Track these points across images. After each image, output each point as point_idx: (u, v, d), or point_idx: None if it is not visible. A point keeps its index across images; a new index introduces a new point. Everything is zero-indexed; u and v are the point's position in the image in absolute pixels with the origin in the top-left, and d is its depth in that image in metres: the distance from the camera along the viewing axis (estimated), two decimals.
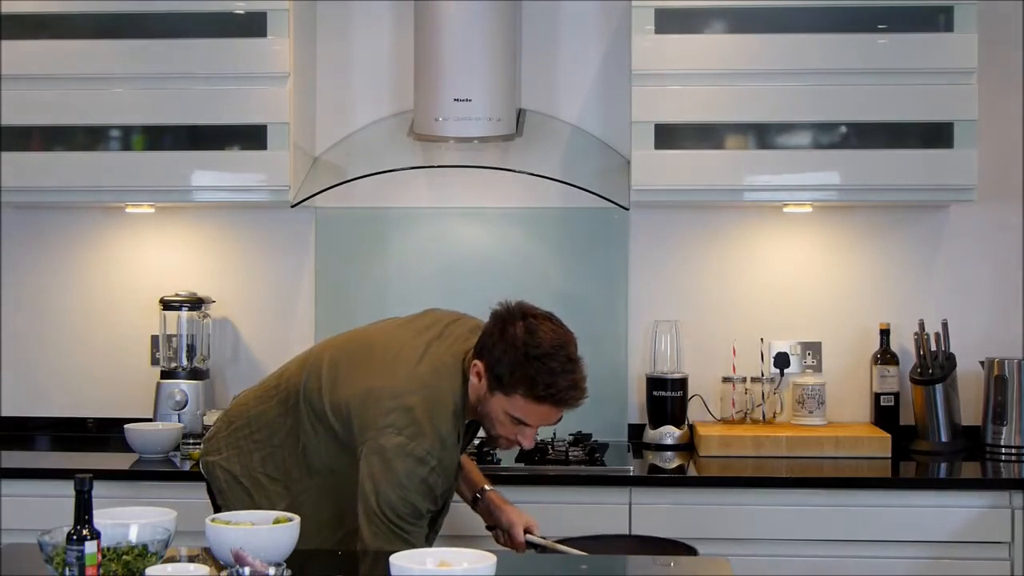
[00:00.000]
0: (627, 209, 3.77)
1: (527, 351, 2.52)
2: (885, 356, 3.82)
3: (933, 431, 3.70)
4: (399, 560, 2.08)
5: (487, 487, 2.94)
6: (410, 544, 2.46)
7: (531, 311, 2.61)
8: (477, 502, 2.95)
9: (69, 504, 2.08)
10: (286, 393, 2.75)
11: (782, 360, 3.86)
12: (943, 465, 3.66)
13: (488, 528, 2.94)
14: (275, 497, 2.72)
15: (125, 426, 3.66)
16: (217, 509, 2.76)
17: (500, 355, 2.54)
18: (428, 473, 2.51)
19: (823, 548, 3.33)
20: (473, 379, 2.59)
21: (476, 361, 2.57)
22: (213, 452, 2.82)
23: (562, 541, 2.78)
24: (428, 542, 2.63)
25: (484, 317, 3.89)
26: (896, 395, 3.81)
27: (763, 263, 3.94)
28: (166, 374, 3.85)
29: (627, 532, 3.33)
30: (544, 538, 2.81)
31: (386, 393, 2.57)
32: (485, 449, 3.52)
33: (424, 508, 2.53)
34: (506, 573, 2.16)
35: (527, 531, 2.85)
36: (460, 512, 3.32)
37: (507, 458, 3.50)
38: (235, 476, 2.76)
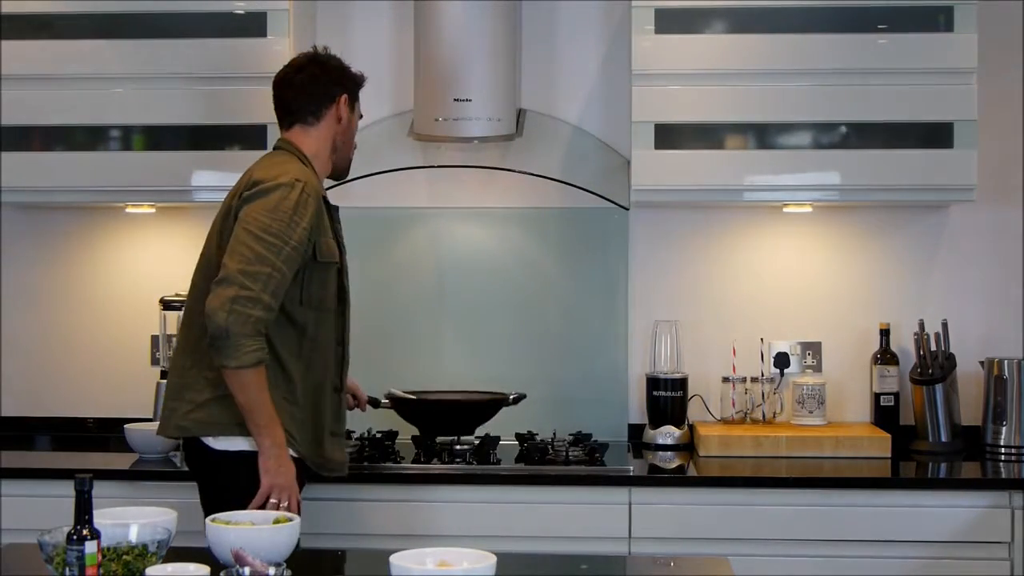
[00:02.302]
0: (627, 209, 3.78)
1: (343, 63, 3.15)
2: (885, 356, 3.82)
3: (933, 431, 3.70)
4: (399, 560, 2.08)
5: None
6: (271, 267, 2.78)
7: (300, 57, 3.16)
8: None
9: (69, 504, 2.08)
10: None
11: (782, 360, 3.86)
12: (943, 465, 3.66)
13: None
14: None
15: (125, 426, 3.66)
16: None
17: (350, 75, 3.13)
18: (300, 195, 2.86)
19: (823, 548, 3.33)
20: (343, 112, 3.09)
21: (340, 98, 3.08)
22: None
23: None
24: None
25: (484, 320, 3.92)
26: (896, 395, 3.81)
27: (763, 263, 3.94)
28: (166, 374, 3.84)
29: (627, 533, 3.34)
30: None
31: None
32: (485, 449, 3.52)
33: (303, 226, 2.85)
34: (506, 573, 2.16)
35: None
36: (459, 512, 3.33)
37: (507, 458, 3.51)
38: None
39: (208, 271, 2.93)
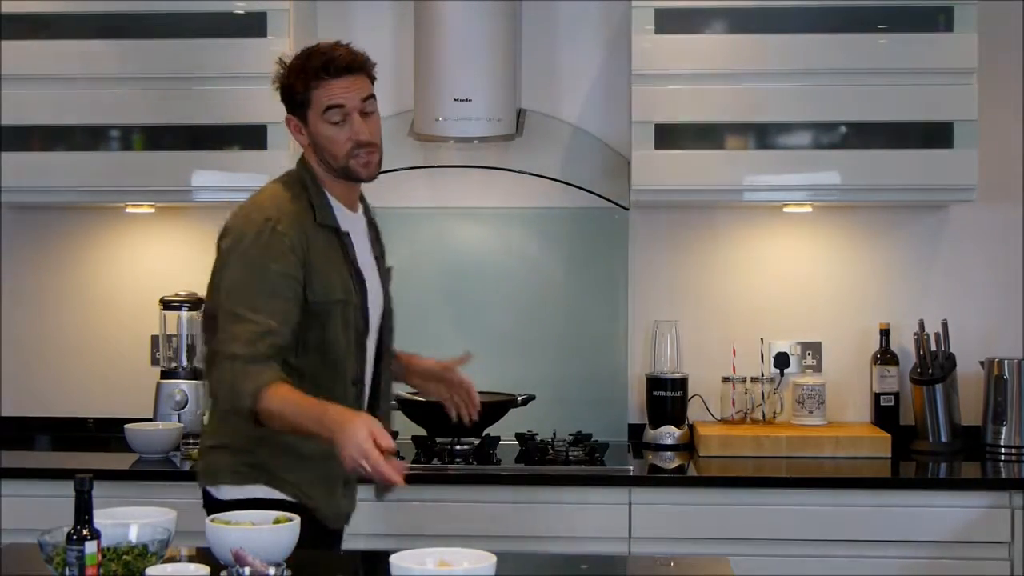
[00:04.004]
0: (627, 209, 3.78)
1: (296, 60, 2.66)
2: (885, 356, 3.82)
3: (933, 431, 3.70)
4: (399, 560, 2.08)
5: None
6: (256, 323, 2.46)
7: None
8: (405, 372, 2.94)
9: (69, 504, 2.08)
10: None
11: (782, 360, 3.86)
12: (943, 465, 3.66)
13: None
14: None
15: (125, 426, 3.66)
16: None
17: (287, 85, 2.66)
18: (270, 231, 2.54)
19: (823, 548, 3.33)
20: (298, 137, 2.70)
21: (286, 119, 2.69)
22: None
23: None
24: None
25: (483, 320, 3.92)
26: (896, 395, 3.81)
27: (763, 263, 3.94)
28: (166, 374, 3.85)
29: (627, 533, 3.34)
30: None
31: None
32: (485, 449, 3.52)
33: (275, 268, 2.52)
34: (506, 573, 2.16)
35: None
36: (459, 512, 3.33)
37: (507, 458, 3.51)
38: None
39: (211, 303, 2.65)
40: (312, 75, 2.62)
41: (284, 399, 2.44)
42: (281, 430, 2.47)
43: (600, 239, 3.93)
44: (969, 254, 3.90)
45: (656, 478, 3.45)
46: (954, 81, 3.52)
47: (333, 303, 2.60)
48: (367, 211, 2.88)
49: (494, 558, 2.10)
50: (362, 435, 2.32)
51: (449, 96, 3.59)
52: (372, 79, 2.72)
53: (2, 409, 4.02)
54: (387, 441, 2.32)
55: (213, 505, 2.63)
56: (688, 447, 3.76)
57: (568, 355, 3.92)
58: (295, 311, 2.54)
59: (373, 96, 2.71)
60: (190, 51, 3.63)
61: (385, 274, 2.86)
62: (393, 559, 2.08)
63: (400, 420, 3.65)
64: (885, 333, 3.82)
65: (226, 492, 2.63)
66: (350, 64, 2.65)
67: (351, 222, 2.75)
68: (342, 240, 2.68)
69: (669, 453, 3.72)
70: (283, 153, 3.60)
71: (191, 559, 2.36)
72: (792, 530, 3.33)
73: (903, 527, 3.32)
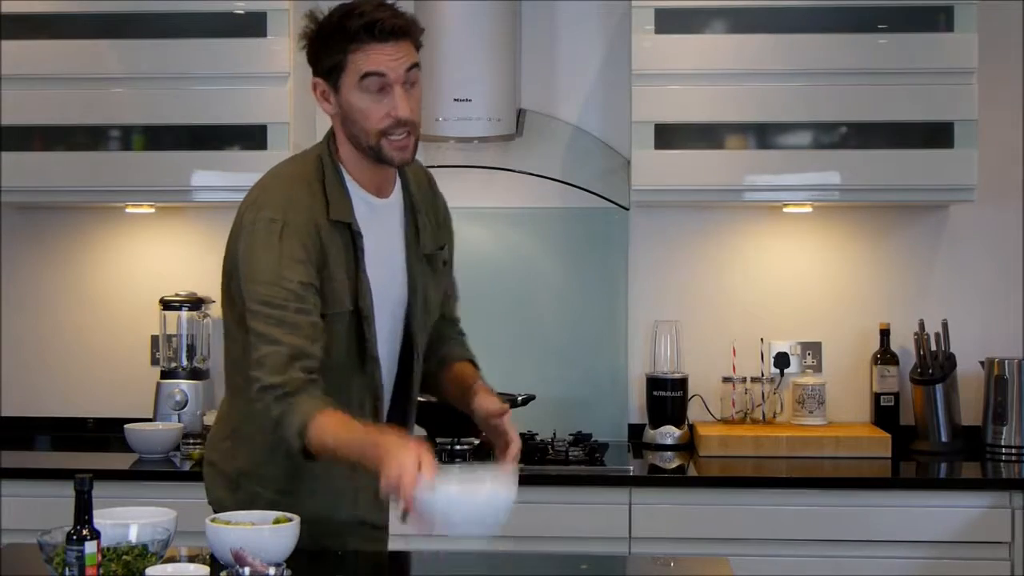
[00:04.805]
0: (627, 209, 3.78)
1: (331, 17, 2.32)
2: (885, 356, 3.82)
3: (933, 431, 3.70)
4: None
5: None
6: (291, 326, 2.22)
7: None
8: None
9: (69, 504, 2.08)
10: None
11: (782, 360, 3.86)
12: (943, 465, 3.66)
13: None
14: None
15: (125, 426, 3.66)
16: None
17: (319, 47, 2.33)
18: (280, 234, 2.26)
19: (823, 548, 3.33)
20: (324, 106, 2.37)
21: (313, 83, 2.36)
22: None
23: None
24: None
25: (483, 320, 3.91)
26: (896, 395, 3.81)
27: (763, 263, 3.94)
28: (166, 374, 3.85)
29: (627, 533, 3.33)
30: None
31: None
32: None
33: (295, 279, 2.25)
34: (506, 573, 2.16)
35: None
36: None
37: None
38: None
39: (226, 306, 2.46)
40: (351, 36, 2.28)
41: (327, 431, 2.19)
42: (331, 461, 2.26)
43: (600, 239, 3.93)
44: (969, 254, 3.90)
45: (656, 478, 3.46)
46: (954, 81, 3.52)
47: (336, 315, 2.34)
48: (408, 187, 2.50)
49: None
50: (408, 462, 2.08)
51: (449, 96, 3.59)
52: (418, 47, 2.36)
53: (2, 409, 4.02)
54: (431, 473, 2.08)
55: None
56: (688, 447, 3.76)
57: (568, 355, 3.92)
58: (320, 323, 2.29)
59: (418, 66, 2.34)
60: (190, 51, 3.63)
61: (424, 261, 2.51)
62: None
63: None
64: (885, 333, 3.82)
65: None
66: (396, 28, 2.30)
67: (376, 212, 2.42)
68: (355, 241, 2.37)
69: (669, 453, 3.72)
70: (283, 153, 3.60)
71: (192, 559, 2.36)
72: (792, 530, 3.33)
73: (903, 527, 3.32)
